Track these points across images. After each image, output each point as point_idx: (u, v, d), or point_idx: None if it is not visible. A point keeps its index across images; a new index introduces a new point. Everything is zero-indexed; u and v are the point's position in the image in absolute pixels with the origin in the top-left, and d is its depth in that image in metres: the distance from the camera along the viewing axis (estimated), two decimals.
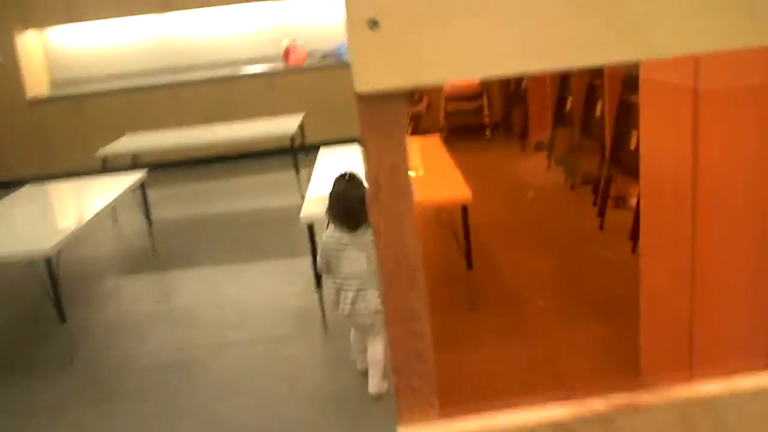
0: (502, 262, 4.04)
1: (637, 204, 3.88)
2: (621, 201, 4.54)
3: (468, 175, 3.55)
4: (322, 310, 3.51)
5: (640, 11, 0.54)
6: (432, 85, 0.56)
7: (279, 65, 7.59)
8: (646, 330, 2.54)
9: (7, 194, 4.63)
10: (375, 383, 2.85)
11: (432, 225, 4.63)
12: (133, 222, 5.60)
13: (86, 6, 7.31)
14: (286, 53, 7.59)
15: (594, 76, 4.80)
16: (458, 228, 3.54)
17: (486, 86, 7.18)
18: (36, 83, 7.56)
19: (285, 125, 6.10)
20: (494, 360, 3.03)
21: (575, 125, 5.14)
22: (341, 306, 2.86)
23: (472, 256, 3.40)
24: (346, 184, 2.84)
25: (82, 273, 4.73)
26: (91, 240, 5.31)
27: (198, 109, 7.28)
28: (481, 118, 7.22)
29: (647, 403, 0.67)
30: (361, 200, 2.75)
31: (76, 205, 4.51)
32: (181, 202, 6.35)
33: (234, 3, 7.45)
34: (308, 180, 4.08)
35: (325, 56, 7.65)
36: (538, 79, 6.21)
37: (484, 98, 7.16)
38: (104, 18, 7.47)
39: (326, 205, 2.88)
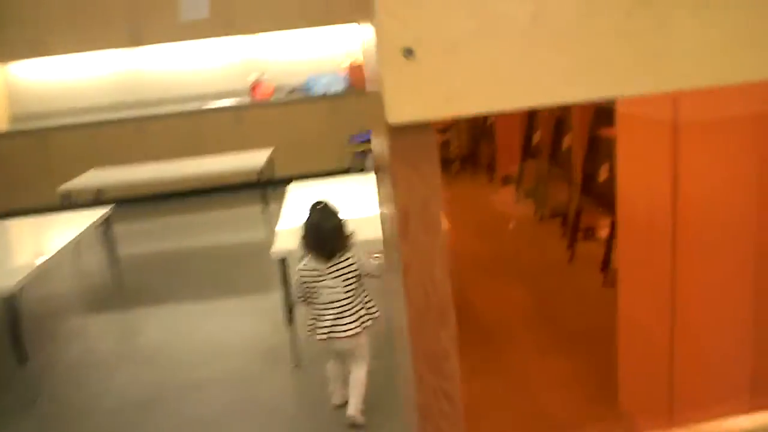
0: (474, 295, 4.02)
1: (609, 236, 3.92)
2: (590, 233, 4.58)
3: None
4: (294, 347, 3.44)
5: (679, 45, 0.54)
6: (467, 115, 0.55)
7: (246, 99, 7.56)
8: (625, 365, 2.53)
9: None
10: (354, 405, 2.86)
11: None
12: (97, 258, 5.46)
13: (52, 40, 7.22)
14: (253, 87, 7.58)
15: (562, 110, 4.87)
16: None
17: (453, 120, 7.24)
18: None
19: (253, 159, 6.06)
20: (471, 396, 2.99)
21: (543, 158, 5.20)
22: (319, 334, 2.84)
23: None
24: (320, 213, 2.85)
25: (44, 311, 4.59)
26: (54, 277, 5.17)
27: (165, 144, 7.20)
28: (449, 151, 7.27)
29: None
30: (335, 229, 2.80)
31: (39, 242, 4.38)
32: (147, 238, 6.23)
33: (201, 38, 7.43)
34: (277, 214, 4.04)
35: (292, 91, 7.65)
36: (505, 114, 6.28)
37: (452, 132, 7.22)
38: (70, 52, 7.38)
39: (300, 236, 2.87)
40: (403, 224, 0.58)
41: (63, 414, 3.24)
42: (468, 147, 7.50)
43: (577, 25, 0.54)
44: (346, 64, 7.64)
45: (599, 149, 4.04)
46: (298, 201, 4.23)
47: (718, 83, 0.58)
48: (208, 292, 4.60)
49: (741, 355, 1.71)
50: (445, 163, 7.26)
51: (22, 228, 4.66)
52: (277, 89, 7.64)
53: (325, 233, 2.80)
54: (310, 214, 2.88)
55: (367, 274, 2.88)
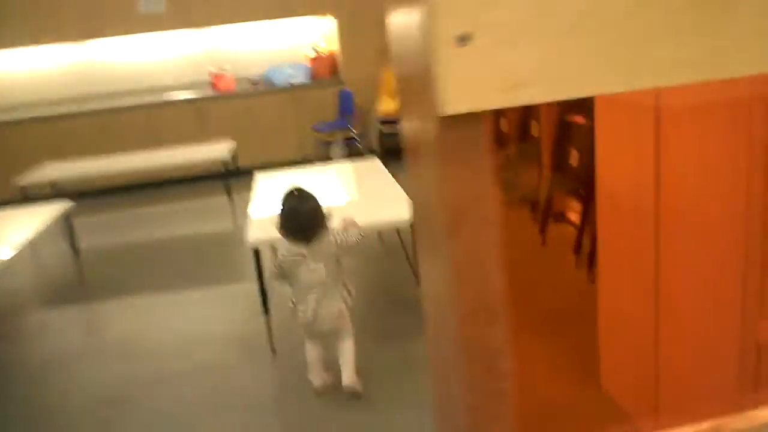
0: None
1: (581, 220, 3.95)
2: (560, 216, 4.62)
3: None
4: (270, 336, 3.39)
5: (740, 30, 0.52)
6: (524, 104, 0.52)
7: (207, 91, 7.43)
8: (607, 349, 2.55)
9: None
10: (349, 375, 2.92)
11: (372, 245, 4.58)
12: (58, 252, 5.32)
13: (7, 33, 6.98)
14: (214, 79, 7.44)
15: None
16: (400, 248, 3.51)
17: None
18: None
19: (217, 151, 5.96)
20: None
21: (511, 145, 5.22)
22: (302, 315, 2.86)
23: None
24: (296, 198, 2.86)
25: (3, 308, 4.45)
26: (13, 273, 5.01)
27: (125, 137, 7.03)
28: None
29: None
30: (312, 212, 2.82)
31: None
32: (109, 231, 6.08)
33: (159, 30, 7.25)
34: (243, 205, 3.98)
35: (254, 82, 7.53)
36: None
37: None
38: (27, 45, 7.15)
39: (278, 223, 2.86)
40: (453, 222, 0.55)
41: (28, 415, 3.14)
42: None
43: (637, 6, 0.51)
44: (308, 55, 7.55)
45: (568, 135, 4.07)
46: (267, 190, 4.17)
47: None
48: (177, 284, 4.51)
49: (727, 339, 1.73)
50: None
51: None
52: (238, 81, 7.51)
53: (304, 217, 2.81)
54: (285, 200, 2.87)
55: (349, 247, 2.89)
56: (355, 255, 2.90)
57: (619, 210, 2.26)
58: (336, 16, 7.24)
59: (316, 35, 7.73)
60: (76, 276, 4.94)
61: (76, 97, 7.44)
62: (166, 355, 3.55)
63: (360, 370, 2.99)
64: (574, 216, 4.38)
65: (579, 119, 3.98)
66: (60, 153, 6.56)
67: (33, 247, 5.35)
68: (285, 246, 2.87)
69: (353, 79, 7.25)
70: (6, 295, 4.67)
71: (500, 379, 0.60)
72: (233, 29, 7.59)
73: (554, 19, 0.50)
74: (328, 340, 3.00)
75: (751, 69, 0.53)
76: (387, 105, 7.20)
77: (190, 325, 3.88)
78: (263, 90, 7.40)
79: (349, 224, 2.94)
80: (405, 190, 3.70)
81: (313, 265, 2.82)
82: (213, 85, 7.46)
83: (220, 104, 7.30)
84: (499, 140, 5.58)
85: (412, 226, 3.23)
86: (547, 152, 4.41)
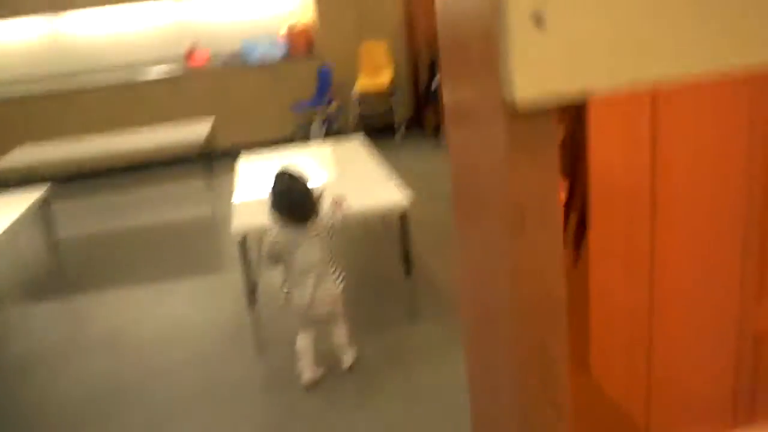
0: (436, 265, 3.99)
1: (566, 200, 3.93)
2: None
3: None
4: (258, 327, 3.33)
5: None
6: (604, 92, 0.46)
7: (181, 67, 7.27)
8: (599, 336, 2.53)
9: None
10: (349, 357, 2.98)
11: (357, 231, 4.53)
12: (35, 242, 5.18)
13: None
14: (188, 55, 7.28)
15: None
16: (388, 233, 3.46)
17: (397, 86, 7.14)
18: None
19: (195, 131, 5.83)
20: (451, 374, 2.96)
21: None
22: (300, 299, 2.81)
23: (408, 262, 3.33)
24: (288, 180, 2.80)
25: None
26: None
27: (97, 116, 6.85)
28: (393, 118, 7.19)
29: None
30: (306, 194, 2.77)
31: None
32: (87, 218, 5.93)
33: (129, 2, 7.06)
34: (222, 188, 3.88)
35: (229, 58, 7.38)
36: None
37: (396, 97, 7.13)
38: None
39: (270, 205, 2.79)
40: (516, 221, 0.50)
41: (13, 412, 3.05)
42: (411, 114, 7.43)
43: None
44: (283, 30, 7.41)
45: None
46: (250, 174, 4.08)
47: None
48: (159, 274, 4.42)
49: (724, 328, 1.70)
50: (390, 130, 7.18)
51: None
52: (212, 57, 7.35)
53: (297, 199, 2.75)
54: (277, 181, 2.80)
55: (337, 228, 2.88)
56: (340, 239, 2.84)
57: (613, 194, 2.22)
58: None
59: (291, 8, 7.58)
60: (55, 267, 4.82)
61: (45, 75, 7.21)
62: (151, 349, 3.47)
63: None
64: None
65: None
66: (30, 135, 6.38)
67: (9, 237, 5.23)
68: (277, 229, 2.80)
69: (331, 55, 7.14)
70: None
71: (557, 391, 0.55)
72: (206, 1, 7.41)
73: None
74: (320, 329, 2.94)
75: None
76: (366, 82, 7.11)
77: (174, 317, 3.79)
78: (239, 66, 7.26)
79: (338, 204, 2.91)
80: (393, 172, 3.65)
81: (308, 248, 2.77)
82: (187, 61, 7.30)
83: (194, 81, 7.14)
84: None
85: (404, 213, 3.18)
86: None
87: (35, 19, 7.05)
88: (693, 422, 1.83)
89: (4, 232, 3.70)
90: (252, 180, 3.97)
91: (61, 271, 4.74)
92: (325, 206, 2.87)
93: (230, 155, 4.80)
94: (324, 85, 7.12)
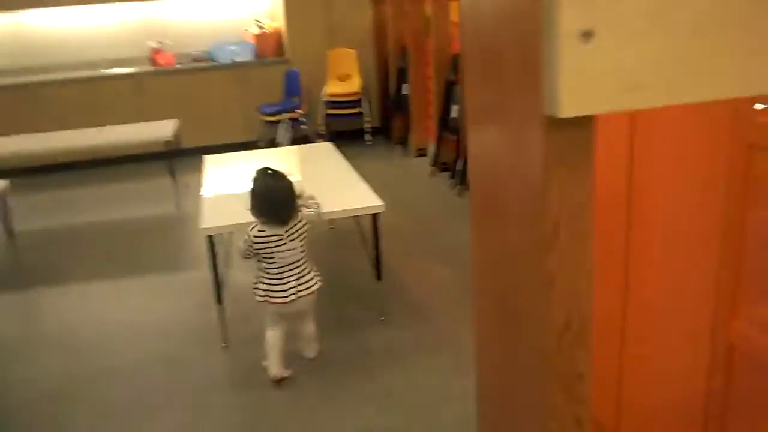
0: (404, 271, 4.00)
1: None
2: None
3: None
4: (224, 326, 3.28)
5: None
6: (648, 108, 0.47)
7: (146, 67, 7.16)
8: None
9: None
10: (314, 349, 3.10)
11: (327, 235, 4.51)
12: None
13: None
14: (154, 55, 7.18)
15: None
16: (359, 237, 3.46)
17: (366, 91, 7.15)
18: None
19: (159, 130, 5.73)
20: (419, 377, 2.97)
21: (462, 133, 5.21)
22: (282, 296, 2.82)
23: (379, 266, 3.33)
24: (272, 179, 2.83)
25: None
26: None
27: (58, 113, 6.68)
28: (362, 123, 7.19)
29: None
30: (288, 193, 2.81)
31: None
32: (45, 213, 5.78)
33: (95, 2, 6.94)
34: (187, 187, 3.82)
35: (196, 58, 7.30)
36: (420, 86, 6.26)
37: (364, 104, 7.14)
38: None
39: (252, 204, 2.80)
40: (553, 232, 0.50)
41: None
42: (379, 119, 7.44)
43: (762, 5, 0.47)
44: (252, 31, 7.36)
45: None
46: (217, 173, 4.04)
47: None
48: (119, 271, 4.33)
49: (697, 341, 1.73)
50: (358, 135, 7.18)
51: None
52: (179, 57, 7.26)
53: (281, 199, 2.78)
54: (258, 180, 2.82)
55: (312, 223, 2.95)
56: (310, 242, 2.87)
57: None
58: None
59: (260, 10, 7.53)
60: (10, 261, 4.69)
61: (6, 69, 7.03)
62: (110, 348, 3.39)
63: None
64: None
65: None
66: None
67: None
68: (259, 226, 2.80)
69: (299, 59, 7.11)
70: None
71: (579, 405, 0.56)
72: (172, 1, 7.32)
73: (681, 14, 0.45)
74: (290, 326, 2.97)
75: None
76: (334, 87, 7.10)
77: (135, 315, 3.72)
78: (206, 67, 7.18)
79: (310, 201, 2.96)
80: (361, 176, 3.65)
81: (289, 244, 2.80)
82: (152, 61, 7.19)
83: (159, 81, 7.04)
84: (449, 128, 5.56)
85: (376, 216, 3.17)
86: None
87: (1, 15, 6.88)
88: None
89: None
90: (219, 179, 3.93)
91: (16, 264, 4.62)
92: (304, 203, 2.91)
93: (195, 155, 4.73)
94: (292, 88, 7.09)
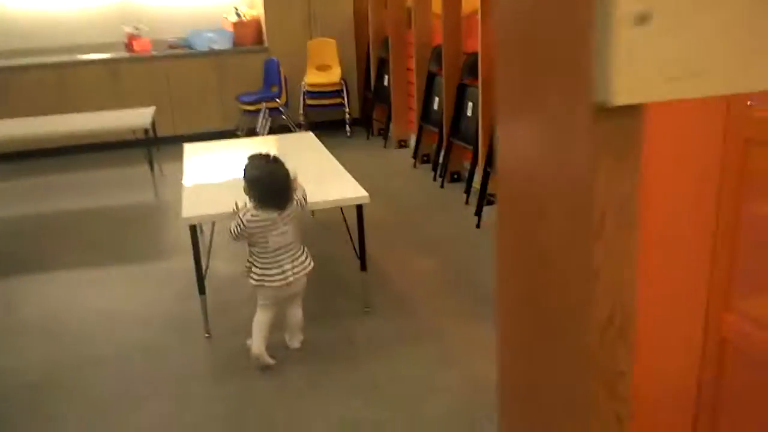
0: (387, 262, 3.98)
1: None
2: (494, 197, 4.66)
3: None
4: (206, 316, 3.24)
5: None
6: (704, 96, 0.46)
7: (122, 53, 7.03)
8: None
9: None
10: (299, 339, 3.08)
11: (310, 224, 4.48)
12: None
13: None
14: (130, 41, 7.05)
15: (465, 76, 4.88)
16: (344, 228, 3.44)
17: (346, 82, 7.10)
18: None
19: (137, 117, 5.64)
20: (402, 367, 2.96)
21: (445, 124, 5.20)
22: (280, 279, 2.83)
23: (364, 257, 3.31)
24: (270, 164, 2.82)
25: None
26: None
27: (31, 99, 6.54)
28: (342, 113, 7.15)
29: None
30: (286, 179, 2.81)
31: None
32: (20, 199, 5.66)
33: None
34: (165, 174, 3.76)
35: (172, 45, 7.19)
36: (401, 77, 6.23)
37: (345, 94, 7.09)
38: None
39: (248, 189, 2.80)
40: (596, 224, 0.49)
41: None
42: (360, 110, 7.40)
43: None
44: (231, 19, 7.27)
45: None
46: (196, 161, 3.99)
47: None
48: (98, 260, 4.25)
49: (689, 336, 1.74)
50: (338, 126, 7.13)
51: None
52: (155, 44, 7.14)
53: (279, 184, 2.78)
54: (254, 166, 2.82)
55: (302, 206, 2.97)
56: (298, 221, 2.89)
57: None
58: None
59: None
60: None
61: None
62: (90, 337, 3.34)
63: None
64: None
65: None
66: None
67: None
68: (253, 210, 2.79)
69: (278, 48, 7.04)
70: None
71: (620, 402, 0.55)
72: None
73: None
74: (279, 312, 2.98)
75: None
76: (314, 77, 7.04)
77: (116, 304, 3.66)
78: (184, 54, 7.08)
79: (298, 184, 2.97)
80: (344, 166, 3.62)
81: (283, 228, 2.81)
82: (128, 47, 7.07)
83: (135, 67, 6.92)
84: (431, 119, 5.55)
85: (361, 207, 3.16)
86: (485, 135, 4.42)
87: None
88: (653, 429, 1.87)
89: None
90: (199, 168, 3.88)
91: None
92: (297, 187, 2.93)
93: (172, 144, 4.68)
94: (271, 77, 7.02)
